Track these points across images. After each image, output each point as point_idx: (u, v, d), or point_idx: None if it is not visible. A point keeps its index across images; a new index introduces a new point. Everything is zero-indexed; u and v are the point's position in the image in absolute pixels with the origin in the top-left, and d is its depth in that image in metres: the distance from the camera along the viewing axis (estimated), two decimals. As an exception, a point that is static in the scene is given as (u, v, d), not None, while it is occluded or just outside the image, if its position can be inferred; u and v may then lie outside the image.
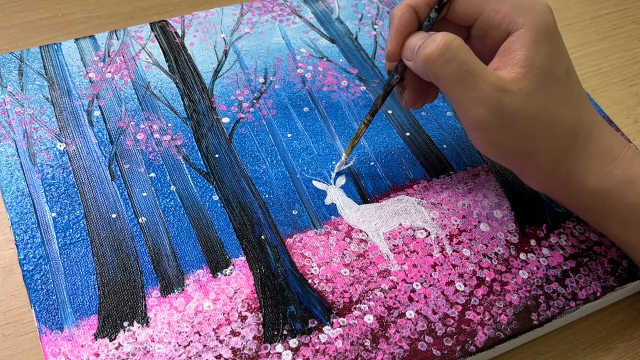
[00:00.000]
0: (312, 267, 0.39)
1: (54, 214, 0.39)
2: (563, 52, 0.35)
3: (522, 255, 0.40)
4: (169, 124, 0.45)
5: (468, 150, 0.46)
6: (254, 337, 0.36)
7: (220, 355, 0.35)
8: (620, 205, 0.36)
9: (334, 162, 0.44)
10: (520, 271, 0.40)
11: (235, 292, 0.37)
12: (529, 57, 0.34)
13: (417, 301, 0.38)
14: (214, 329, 0.36)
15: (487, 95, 0.33)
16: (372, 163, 0.44)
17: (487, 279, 0.39)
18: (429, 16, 0.37)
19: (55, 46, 0.48)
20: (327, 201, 0.42)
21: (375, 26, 0.53)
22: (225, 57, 0.49)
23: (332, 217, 0.41)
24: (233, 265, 0.38)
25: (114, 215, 0.40)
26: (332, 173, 0.43)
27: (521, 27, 0.34)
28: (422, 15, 0.37)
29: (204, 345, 0.35)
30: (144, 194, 0.41)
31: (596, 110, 0.37)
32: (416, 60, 0.35)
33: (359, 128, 0.42)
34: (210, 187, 0.42)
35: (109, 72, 0.47)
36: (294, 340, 0.36)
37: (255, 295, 0.37)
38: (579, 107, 0.36)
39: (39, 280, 0.36)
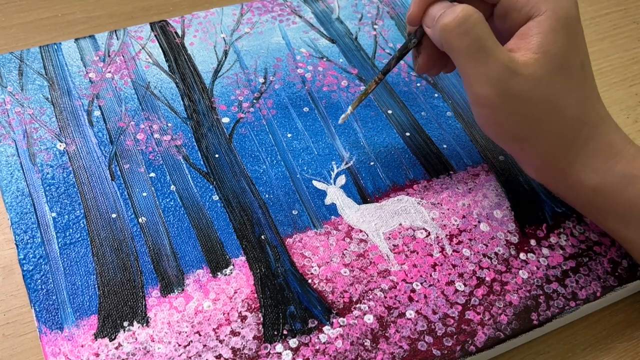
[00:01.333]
0: (312, 267, 0.39)
1: (54, 214, 0.39)
2: (581, 45, 0.35)
3: (522, 255, 0.40)
4: (169, 124, 0.45)
5: (468, 150, 0.46)
6: (254, 337, 0.36)
7: (220, 355, 0.35)
8: (619, 201, 0.36)
9: (333, 162, 0.44)
10: (520, 271, 0.40)
11: (235, 292, 0.37)
12: (544, 44, 0.34)
13: (417, 301, 0.38)
14: (214, 329, 0.36)
15: (495, 74, 0.33)
16: (372, 163, 0.44)
17: (487, 279, 0.39)
18: None
19: (55, 46, 0.48)
20: (327, 201, 0.42)
21: (375, 26, 0.53)
22: (225, 57, 0.49)
23: (332, 217, 0.41)
24: (233, 265, 0.38)
25: (114, 215, 0.40)
26: (332, 173, 0.43)
27: (542, 14, 0.34)
28: None
29: (204, 345, 0.35)
30: (144, 194, 0.41)
31: (605, 107, 0.37)
32: (434, 28, 0.35)
33: (369, 85, 0.41)
34: (210, 187, 0.42)
35: (109, 72, 0.47)
36: (294, 340, 0.36)
37: (255, 295, 0.37)
38: (587, 101, 0.36)
39: (39, 280, 0.36)
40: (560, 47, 0.34)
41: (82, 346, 0.34)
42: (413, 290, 0.38)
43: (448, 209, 0.42)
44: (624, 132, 0.37)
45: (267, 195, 0.42)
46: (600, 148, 0.36)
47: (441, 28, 0.34)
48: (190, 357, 0.34)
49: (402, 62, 0.51)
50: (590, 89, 0.36)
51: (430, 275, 0.39)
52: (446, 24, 0.34)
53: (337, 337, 0.36)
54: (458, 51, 0.34)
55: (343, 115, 0.43)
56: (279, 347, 0.35)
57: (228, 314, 0.36)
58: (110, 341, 0.35)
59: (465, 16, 0.33)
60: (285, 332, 0.36)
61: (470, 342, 0.36)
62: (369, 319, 0.37)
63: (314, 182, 0.43)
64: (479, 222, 0.42)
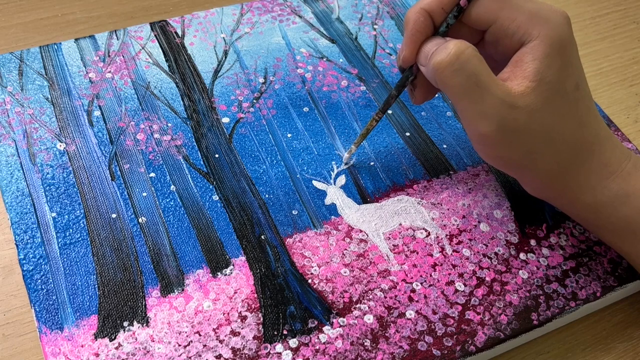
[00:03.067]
0: (312, 267, 0.39)
1: (54, 214, 0.39)
2: (575, 65, 0.35)
3: (522, 255, 0.40)
4: (169, 124, 0.45)
5: (468, 150, 0.46)
6: (254, 337, 0.36)
7: (220, 355, 0.35)
8: (614, 218, 0.36)
9: (333, 162, 0.44)
10: (520, 271, 0.40)
11: (235, 292, 0.37)
12: (539, 71, 0.33)
13: (417, 301, 0.38)
14: (214, 329, 0.36)
15: (493, 111, 0.33)
16: (372, 163, 0.44)
17: (487, 279, 0.39)
18: (446, 21, 0.36)
19: (55, 46, 0.48)
20: (327, 201, 0.42)
21: (375, 26, 0.53)
22: (225, 57, 0.49)
23: (332, 217, 0.41)
24: (233, 265, 0.38)
25: (114, 215, 0.40)
26: (332, 173, 0.43)
27: (535, 39, 0.33)
28: (437, 19, 0.36)
29: (204, 345, 0.35)
30: (144, 194, 0.41)
31: (603, 122, 0.37)
32: (427, 66, 0.34)
33: (369, 123, 0.42)
34: (210, 187, 0.42)
35: (109, 72, 0.47)
36: (294, 340, 0.36)
37: (255, 295, 0.37)
38: (582, 123, 0.35)
39: (39, 280, 0.36)
40: (556, 73, 0.33)
41: (82, 346, 0.34)
42: (413, 290, 0.38)
43: (448, 209, 0.42)
44: (623, 132, 0.37)
45: (267, 195, 0.42)
46: (596, 167, 0.36)
47: (434, 67, 0.33)
48: (190, 357, 0.34)
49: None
50: (585, 109, 0.35)
51: (430, 275, 0.39)
52: (438, 62, 0.33)
53: (337, 337, 0.36)
54: (452, 89, 0.33)
55: (346, 154, 0.44)
56: (279, 347, 0.35)
57: (228, 314, 0.36)
58: (110, 341, 0.35)
59: (457, 53, 0.32)
60: (285, 332, 0.36)
61: (470, 342, 0.36)
62: (369, 319, 0.37)
63: (314, 182, 0.43)
64: (479, 222, 0.42)
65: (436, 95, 0.49)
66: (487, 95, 0.33)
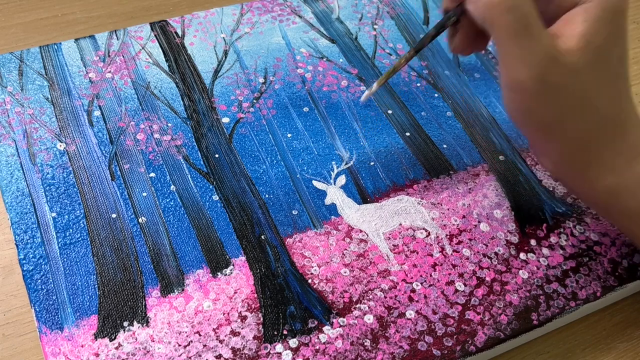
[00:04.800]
0: (312, 267, 0.39)
1: (54, 214, 0.39)
2: (622, 37, 0.34)
3: (522, 255, 0.40)
4: (169, 124, 0.45)
5: (468, 150, 0.46)
6: (254, 337, 0.36)
7: (220, 355, 0.35)
8: (634, 202, 0.35)
9: (333, 162, 0.44)
10: (520, 271, 0.40)
11: (235, 292, 0.37)
12: (588, 33, 0.32)
13: (417, 301, 0.38)
14: (214, 329, 0.36)
15: (536, 58, 0.32)
16: (372, 163, 0.44)
17: (487, 278, 0.39)
18: None
19: (55, 46, 0.48)
20: (327, 201, 0.42)
21: (375, 26, 0.53)
22: (225, 57, 0.49)
23: (332, 217, 0.41)
24: (233, 265, 0.38)
25: (114, 215, 0.40)
26: (332, 173, 0.43)
27: (590, 1, 0.32)
28: None
29: (204, 345, 0.35)
30: (144, 194, 0.41)
31: (635, 105, 0.35)
32: (477, 2, 0.33)
33: (399, 61, 0.38)
34: (210, 187, 0.42)
35: (109, 72, 0.47)
36: (294, 340, 0.36)
37: (255, 295, 0.37)
38: (620, 97, 0.34)
39: (39, 280, 0.36)
40: (604, 39, 0.32)
41: (82, 346, 0.34)
42: (413, 290, 0.38)
43: (448, 209, 0.42)
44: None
45: (267, 195, 0.42)
46: (624, 148, 0.34)
47: (485, 3, 0.32)
48: (190, 357, 0.34)
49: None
50: (623, 85, 0.34)
51: (430, 275, 0.39)
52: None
53: (337, 337, 0.36)
54: (500, 29, 0.32)
55: (367, 92, 0.39)
56: (279, 347, 0.35)
57: (228, 314, 0.36)
58: (110, 341, 0.35)
59: None
60: (285, 332, 0.36)
61: (470, 342, 0.36)
62: (369, 319, 0.37)
63: (314, 182, 0.43)
64: (479, 222, 0.42)
65: (435, 95, 0.49)
66: (535, 42, 0.31)
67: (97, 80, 0.46)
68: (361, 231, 0.41)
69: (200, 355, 0.35)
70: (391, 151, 0.45)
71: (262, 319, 0.36)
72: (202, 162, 0.43)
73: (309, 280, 0.38)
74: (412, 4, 0.55)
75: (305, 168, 0.43)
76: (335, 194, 0.42)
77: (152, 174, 0.42)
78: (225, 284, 0.38)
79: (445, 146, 0.46)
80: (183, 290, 0.37)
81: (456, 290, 0.38)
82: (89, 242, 0.38)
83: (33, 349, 0.36)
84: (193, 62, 0.49)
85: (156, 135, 0.44)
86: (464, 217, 0.42)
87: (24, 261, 0.37)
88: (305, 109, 0.47)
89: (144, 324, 0.35)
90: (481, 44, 0.38)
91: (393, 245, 0.40)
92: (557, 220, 0.42)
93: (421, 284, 0.38)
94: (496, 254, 0.40)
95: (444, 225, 0.41)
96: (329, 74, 0.49)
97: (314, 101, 0.48)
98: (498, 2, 0.31)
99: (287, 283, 0.38)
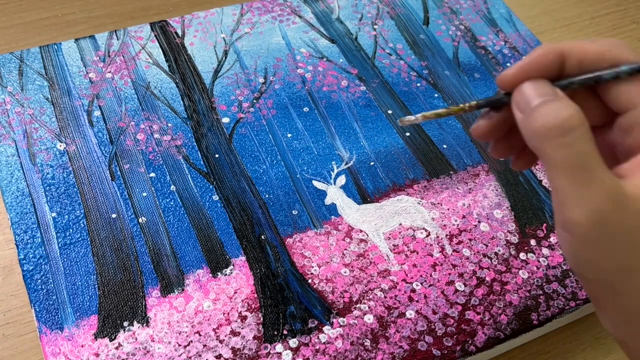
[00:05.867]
0: (312, 267, 0.39)
1: (54, 214, 0.39)
2: None
3: (522, 255, 0.40)
4: (169, 124, 0.45)
5: (468, 150, 0.46)
6: (254, 337, 0.36)
7: (220, 355, 0.35)
8: None
9: (333, 162, 0.44)
10: (520, 271, 0.40)
11: (235, 292, 0.37)
12: None
13: (417, 301, 0.38)
14: (214, 329, 0.36)
15: (596, 200, 0.27)
16: (372, 163, 0.44)
17: (487, 279, 0.39)
18: (571, 80, 0.29)
19: (55, 46, 0.48)
20: (327, 201, 0.42)
21: (375, 26, 0.53)
22: (225, 57, 0.49)
23: (332, 217, 0.41)
24: (233, 265, 0.38)
25: (114, 215, 0.40)
26: (332, 173, 0.43)
27: None
28: (569, 67, 0.29)
29: (204, 345, 0.35)
30: (144, 194, 0.41)
31: None
32: (527, 120, 0.28)
33: (452, 108, 0.30)
34: (210, 187, 0.42)
35: (109, 72, 0.47)
36: (294, 340, 0.36)
37: (255, 295, 0.37)
38: None
39: (39, 280, 0.36)
40: None
41: (82, 346, 0.34)
42: (413, 290, 0.38)
43: (448, 209, 0.42)
44: None
45: (267, 195, 0.42)
46: None
47: (536, 130, 0.27)
48: (190, 357, 0.34)
49: (401, 61, 0.51)
50: None
51: (430, 275, 0.39)
52: (543, 127, 0.27)
53: (337, 337, 0.36)
54: (554, 163, 0.27)
55: (410, 118, 0.30)
56: (279, 347, 0.35)
57: (228, 314, 0.36)
58: (110, 341, 0.35)
59: (571, 123, 0.26)
60: (285, 332, 0.36)
61: (470, 342, 0.36)
62: (369, 319, 0.37)
63: (314, 182, 0.43)
64: (479, 222, 0.42)
65: (435, 95, 0.49)
66: (596, 182, 0.27)
67: (97, 80, 0.46)
68: (361, 231, 0.41)
69: (200, 355, 0.35)
70: (391, 151, 0.45)
71: (262, 319, 0.36)
72: (202, 162, 0.43)
73: (309, 280, 0.38)
74: (412, 4, 0.55)
75: (305, 168, 0.43)
76: (335, 194, 0.42)
77: (152, 174, 0.42)
78: (225, 284, 0.38)
79: (445, 146, 0.46)
80: (183, 290, 0.37)
81: (456, 290, 0.38)
82: (89, 242, 0.38)
83: (33, 349, 0.36)
84: (193, 62, 0.49)
85: (156, 135, 0.44)
86: (464, 217, 0.42)
87: (24, 261, 0.37)
88: (305, 109, 0.47)
89: (144, 324, 0.35)
90: (518, 151, 0.32)
91: (393, 245, 0.40)
92: (557, 220, 0.42)
93: (421, 284, 0.38)
94: (496, 254, 0.40)
95: (444, 225, 0.41)
96: (329, 74, 0.49)
97: (314, 101, 0.48)
98: (552, 135, 0.27)
99: (287, 283, 0.38)
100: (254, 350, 0.35)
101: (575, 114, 0.27)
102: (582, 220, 0.27)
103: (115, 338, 0.35)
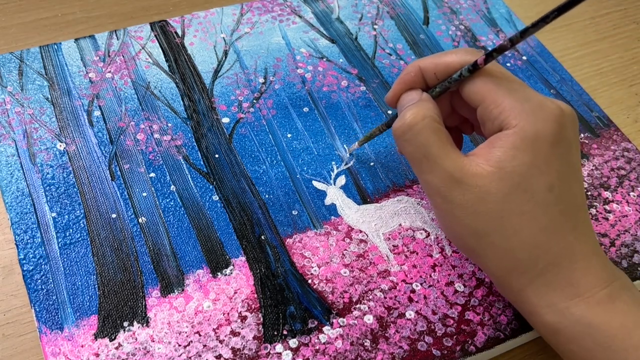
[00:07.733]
0: (312, 267, 0.39)
1: (54, 214, 0.39)
2: (553, 166, 0.32)
3: (521, 256, 0.40)
4: (169, 124, 0.45)
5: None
6: (254, 337, 0.36)
7: (220, 355, 0.35)
8: (574, 346, 0.32)
9: (333, 162, 0.44)
10: (520, 271, 0.39)
11: (235, 292, 0.37)
12: (502, 159, 0.32)
13: (416, 301, 0.38)
14: (214, 329, 0.36)
15: (438, 182, 0.33)
16: (372, 163, 0.44)
17: (487, 279, 0.39)
18: (434, 87, 0.36)
19: (55, 46, 0.48)
20: (327, 201, 0.42)
21: (375, 26, 0.53)
22: (225, 57, 0.49)
23: (332, 217, 0.41)
24: (233, 265, 0.38)
25: (114, 215, 0.40)
26: (332, 173, 0.43)
27: (511, 128, 0.32)
28: (428, 79, 0.36)
29: (204, 345, 0.35)
30: (144, 194, 0.41)
31: (590, 238, 0.33)
32: (395, 128, 0.35)
33: (373, 130, 0.42)
34: (210, 187, 0.42)
35: (109, 72, 0.47)
36: (294, 340, 0.36)
37: (255, 295, 0.37)
38: (547, 229, 0.32)
39: (39, 280, 0.36)
40: (520, 166, 0.31)
41: (82, 346, 0.34)
42: (413, 291, 0.38)
43: (448, 209, 0.42)
44: (623, 132, 0.35)
45: (267, 196, 0.42)
46: (559, 284, 0.32)
47: (392, 132, 0.35)
48: (190, 357, 0.35)
49: (401, 61, 0.51)
50: (557, 215, 0.32)
51: (430, 276, 0.39)
52: (395, 129, 0.34)
53: (337, 338, 0.36)
54: (406, 156, 0.35)
55: (349, 150, 0.45)
56: (279, 347, 0.35)
57: (228, 314, 0.36)
58: (110, 341, 0.35)
59: (411, 124, 0.33)
60: (285, 332, 0.36)
61: (470, 342, 0.36)
62: (369, 319, 0.37)
63: (314, 183, 0.43)
64: (478, 222, 0.42)
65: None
66: (435, 167, 0.33)
67: (97, 80, 0.46)
68: (361, 231, 0.41)
69: (200, 355, 0.35)
70: (391, 151, 0.45)
71: (262, 319, 0.36)
72: (202, 162, 0.43)
73: (309, 281, 0.38)
74: (412, 4, 0.55)
75: (305, 168, 0.43)
76: (335, 194, 0.42)
77: (152, 174, 0.42)
78: (225, 284, 0.38)
79: (445, 146, 0.46)
80: (183, 290, 0.37)
81: (456, 291, 0.38)
82: (89, 242, 0.38)
83: (33, 349, 0.36)
84: (193, 62, 0.49)
85: (156, 135, 0.44)
86: (463, 217, 0.42)
87: (24, 261, 0.37)
88: (305, 109, 0.47)
89: (144, 324, 0.35)
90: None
91: (393, 245, 0.40)
92: (557, 221, 0.42)
93: (421, 284, 0.38)
94: (496, 254, 0.40)
95: (444, 225, 0.41)
96: (329, 74, 0.49)
97: (314, 101, 0.48)
98: (398, 134, 0.34)
99: (287, 283, 0.38)
100: (254, 351, 0.35)
101: (416, 113, 0.34)
102: (434, 198, 0.34)
103: (115, 338, 0.35)
